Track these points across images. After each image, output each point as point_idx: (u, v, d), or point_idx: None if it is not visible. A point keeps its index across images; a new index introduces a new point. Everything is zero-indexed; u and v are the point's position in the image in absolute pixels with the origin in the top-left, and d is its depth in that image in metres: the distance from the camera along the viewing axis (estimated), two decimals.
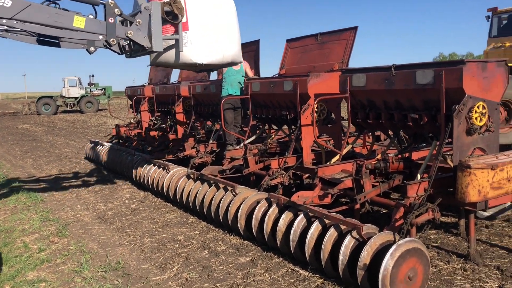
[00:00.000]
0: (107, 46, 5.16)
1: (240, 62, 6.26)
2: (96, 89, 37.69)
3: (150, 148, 10.12)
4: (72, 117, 30.70)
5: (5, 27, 4.62)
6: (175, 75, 11.21)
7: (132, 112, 12.15)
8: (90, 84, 37.87)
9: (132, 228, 6.14)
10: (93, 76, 38.47)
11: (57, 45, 5.16)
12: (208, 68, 6.01)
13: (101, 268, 4.82)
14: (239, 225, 5.34)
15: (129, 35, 5.13)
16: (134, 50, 5.49)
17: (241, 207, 5.36)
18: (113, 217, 6.68)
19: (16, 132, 22.24)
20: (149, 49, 5.24)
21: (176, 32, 5.33)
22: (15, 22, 4.58)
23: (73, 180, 9.63)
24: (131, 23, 5.21)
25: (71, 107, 36.09)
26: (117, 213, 6.89)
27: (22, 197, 8.19)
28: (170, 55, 5.48)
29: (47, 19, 4.73)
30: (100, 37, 5.06)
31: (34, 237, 5.95)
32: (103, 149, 10.90)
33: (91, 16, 5.04)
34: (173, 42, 5.37)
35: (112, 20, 5.03)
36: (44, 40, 5.15)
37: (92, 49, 5.13)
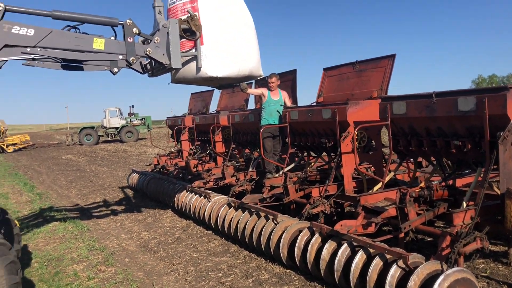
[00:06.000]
0: (128, 65, 5.35)
1: (260, 76, 6.35)
2: (136, 119, 38.72)
3: (190, 177, 10.33)
4: (113, 147, 31.61)
5: (32, 56, 4.92)
6: (213, 105, 11.46)
7: (173, 141, 12.45)
8: (130, 114, 38.97)
9: (176, 256, 6.25)
10: (133, 106, 39.68)
11: (81, 68, 5.42)
12: (225, 82, 6.14)
13: None
14: (281, 254, 5.35)
15: (148, 53, 5.32)
16: (155, 68, 5.68)
17: (283, 236, 5.39)
18: (157, 246, 6.83)
19: (60, 162, 23.09)
20: (168, 66, 5.41)
21: (193, 48, 5.48)
22: (38, 49, 4.87)
23: (117, 209, 9.90)
24: (150, 41, 5.43)
25: (112, 137, 37.17)
26: (161, 242, 7.03)
27: (69, 226, 8.48)
28: (187, 71, 5.65)
29: (68, 43, 4.98)
30: (120, 56, 5.27)
31: (83, 266, 6.15)
32: (146, 178, 11.19)
33: (111, 38, 5.28)
34: (189, 58, 5.51)
35: (131, 39, 5.24)
36: (69, 65, 5.41)
37: (115, 69, 5.35)
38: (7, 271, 3.91)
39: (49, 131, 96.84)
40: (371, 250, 4.30)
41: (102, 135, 37.13)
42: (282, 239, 5.36)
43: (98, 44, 4.97)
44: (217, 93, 11.31)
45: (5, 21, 4.50)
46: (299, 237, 5.14)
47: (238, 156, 9.87)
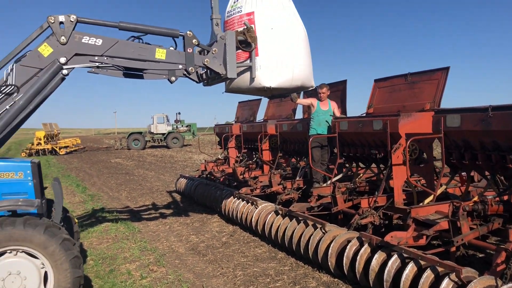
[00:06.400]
0: (186, 75, 5.60)
1: (312, 87, 6.43)
2: (182, 125, 39.60)
3: (235, 183, 10.52)
4: (159, 152, 32.45)
5: (97, 64, 5.23)
6: (260, 114, 11.63)
7: (220, 148, 12.71)
8: (176, 121, 39.93)
9: (224, 260, 6.41)
10: (179, 113, 40.62)
11: (141, 77, 5.73)
12: (277, 92, 6.28)
13: None
14: (329, 263, 5.40)
15: (205, 63, 5.56)
16: (211, 78, 5.89)
17: (331, 245, 5.44)
18: (205, 249, 7.02)
19: (110, 165, 23.95)
20: (224, 76, 5.62)
21: (248, 58, 5.67)
22: (105, 58, 5.19)
23: (165, 212, 10.22)
24: (207, 52, 5.63)
25: (159, 143, 38.16)
26: (209, 246, 7.23)
27: (121, 227, 8.83)
28: (241, 81, 5.83)
29: (132, 53, 5.29)
30: (180, 66, 5.54)
31: (135, 265, 6.41)
32: (193, 183, 11.49)
33: (171, 48, 5.53)
34: (244, 68, 5.70)
35: (191, 50, 5.50)
36: (130, 73, 5.71)
37: (173, 78, 5.61)
38: (71, 265, 4.18)
39: (98, 135, 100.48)
40: (422, 262, 4.29)
41: (149, 141, 38.16)
42: (330, 248, 5.41)
43: (160, 54, 5.24)
44: (264, 102, 11.51)
45: (76, 32, 4.84)
46: (348, 247, 5.18)
47: (284, 165, 9.97)
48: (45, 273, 4.18)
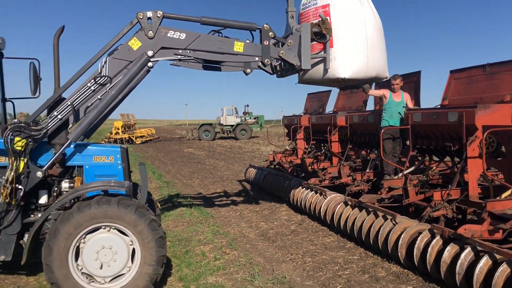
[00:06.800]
0: (261, 67, 5.78)
1: (386, 78, 6.37)
2: (250, 118, 40.30)
3: (303, 174, 10.65)
4: (228, 143, 33.27)
5: (178, 57, 5.53)
6: (329, 106, 11.63)
7: (288, 140, 12.89)
8: (245, 113, 40.67)
9: (294, 247, 6.59)
10: (248, 105, 41.37)
11: (219, 69, 5.99)
12: (351, 83, 6.28)
13: (269, 280, 5.32)
14: (399, 254, 5.41)
15: (281, 55, 5.69)
16: (284, 69, 6.02)
17: (401, 236, 5.44)
18: (275, 236, 7.24)
19: (183, 155, 24.97)
20: (298, 67, 5.73)
21: (323, 50, 5.73)
22: (188, 51, 5.47)
23: (236, 200, 10.59)
24: (282, 44, 5.77)
25: (227, 134, 39.11)
26: (278, 233, 7.44)
27: (194, 212, 9.29)
28: (315, 72, 5.90)
29: (212, 46, 5.53)
30: (256, 58, 5.72)
31: (209, 247, 6.77)
32: (262, 173, 11.78)
33: (247, 41, 5.72)
34: (318, 59, 5.77)
35: (267, 43, 5.66)
36: (208, 66, 5.98)
37: (248, 70, 5.82)
38: (157, 244, 4.55)
39: (170, 126, 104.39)
40: (498, 256, 4.21)
41: (219, 132, 39.19)
42: (400, 239, 5.42)
43: (238, 47, 5.48)
44: (333, 94, 11.50)
45: (162, 27, 5.20)
46: (419, 238, 5.16)
47: (353, 157, 9.95)
48: (133, 249, 4.58)
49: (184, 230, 7.84)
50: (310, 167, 10.22)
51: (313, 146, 11.49)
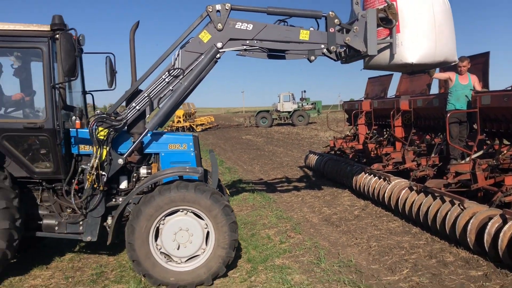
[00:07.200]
0: (326, 53, 5.80)
1: (454, 62, 6.20)
2: (307, 103, 40.09)
3: (365, 160, 10.60)
4: (286, 130, 33.39)
5: (244, 47, 5.67)
6: (391, 90, 11.43)
7: (349, 125, 12.82)
8: (302, 99, 40.50)
9: (358, 232, 6.67)
10: (305, 91, 41.10)
11: (283, 57, 6.07)
12: (418, 68, 6.17)
13: (335, 263, 5.45)
14: (468, 239, 5.35)
15: (347, 42, 5.69)
16: (349, 55, 6.02)
17: (470, 221, 5.37)
18: (338, 221, 7.34)
19: (241, 142, 25.43)
20: (364, 53, 5.71)
21: (389, 35, 5.68)
22: (255, 41, 5.61)
23: (297, 185, 10.75)
24: (347, 30, 5.77)
25: (285, 120, 39.17)
26: (342, 218, 7.53)
27: (257, 197, 9.55)
28: (381, 58, 5.84)
29: (278, 35, 5.63)
30: (322, 46, 5.74)
31: (274, 231, 6.99)
32: (323, 159, 11.83)
33: (312, 29, 5.77)
34: (384, 45, 5.72)
35: (333, 30, 5.68)
36: (273, 55, 6.08)
37: (312, 57, 5.86)
38: (230, 229, 4.81)
39: (227, 114, 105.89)
40: None
41: (276, 118, 39.37)
42: (469, 224, 5.35)
43: (304, 35, 5.58)
44: (395, 78, 11.28)
45: (230, 18, 5.39)
46: (490, 224, 5.08)
47: (418, 142, 9.77)
48: (207, 233, 4.87)
49: (249, 214, 8.11)
50: (372, 153, 10.16)
51: (375, 131, 11.38)
